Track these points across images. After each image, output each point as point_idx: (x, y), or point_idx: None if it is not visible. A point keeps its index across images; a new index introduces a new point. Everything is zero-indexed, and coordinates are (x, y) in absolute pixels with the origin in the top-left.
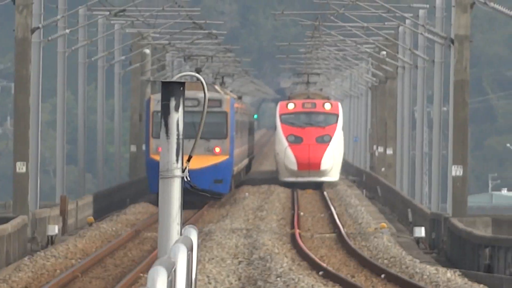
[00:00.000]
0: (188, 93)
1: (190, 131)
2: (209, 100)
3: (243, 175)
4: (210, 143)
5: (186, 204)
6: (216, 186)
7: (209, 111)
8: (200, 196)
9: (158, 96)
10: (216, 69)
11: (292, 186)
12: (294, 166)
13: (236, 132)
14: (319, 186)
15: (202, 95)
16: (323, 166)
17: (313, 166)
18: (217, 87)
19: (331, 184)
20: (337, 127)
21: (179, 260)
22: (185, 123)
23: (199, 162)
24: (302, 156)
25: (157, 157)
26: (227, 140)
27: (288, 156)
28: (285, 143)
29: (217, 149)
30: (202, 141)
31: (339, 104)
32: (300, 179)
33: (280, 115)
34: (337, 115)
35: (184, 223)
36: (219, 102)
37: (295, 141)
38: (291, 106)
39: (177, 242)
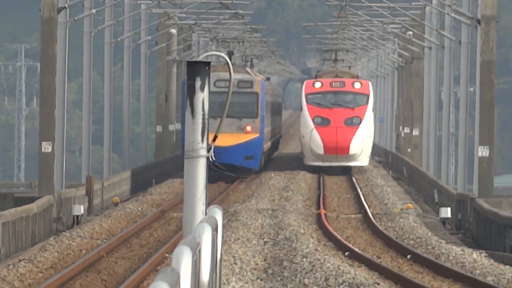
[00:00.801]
0: (221, 74)
1: (222, 110)
2: (241, 81)
3: (272, 153)
4: (242, 122)
5: (216, 179)
6: (247, 162)
7: (241, 92)
8: (231, 171)
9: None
10: (246, 52)
11: (318, 170)
12: (320, 150)
13: (266, 112)
14: (347, 171)
15: (235, 76)
16: (352, 150)
17: (341, 150)
18: (248, 69)
19: (358, 166)
20: (368, 108)
21: (204, 240)
22: (217, 102)
23: (231, 140)
24: (329, 140)
25: None
26: (258, 119)
27: (314, 139)
28: (311, 125)
29: (248, 128)
30: (235, 120)
31: (370, 84)
32: (327, 164)
33: (306, 95)
34: (368, 96)
35: (209, 203)
36: (251, 83)
37: (322, 123)
38: (318, 85)
39: (202, 222)
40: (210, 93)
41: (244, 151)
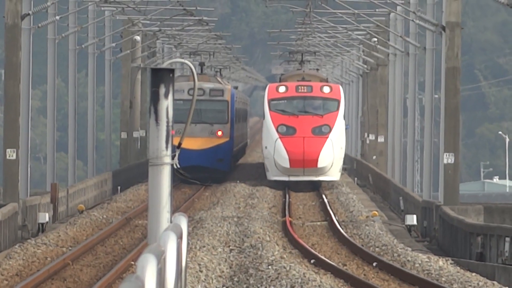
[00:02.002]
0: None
1: (195, 117)
2: (212, 90)
3: (240, 156)
4: (214, 127)
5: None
6: (219, 164)
7: (213, 100)
8: (203, 173)
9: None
10: (216, 62)
11: (283, 186)
12: (285, 163)
13: (235, 118)
14: (315, 187)
15: (207, 85)
16: (321, 163)
17: (309, 163)
18: (219, 78)
19: (328, 181)
20: (338, 115)
21: (168, 248)
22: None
23: (204, 143)
24: (295, 151)
25: None
26: (228, 125)
27: (278, 150)
28: (275, 135)
29: (219, 133)
30: (207, 125)
31: (341, 88)
32: (293, 178)
33: (269, 101)
34: (338, 101)
35: (174, 210)
36: (222, 92)
37: (287, 132)
38: (282, 89)
39: (166, 230)
40: (183, 100)
41: (215, 154)
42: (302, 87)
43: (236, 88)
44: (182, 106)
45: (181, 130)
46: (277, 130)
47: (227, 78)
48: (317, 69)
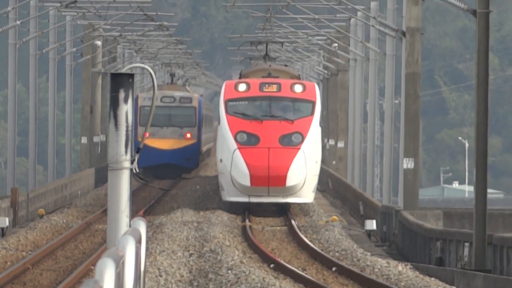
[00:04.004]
0: (167, 92)
1: (167, 121)
2: (182, 97)
3: (206, 156)
4: (183, 130)
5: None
6: (187, 162)
7: (182, 106)
8: (177, 170)
9: (145, 94)
10: (185, 74)
11: (242, 209)
12: (245, 181)
13: (202, 122)
14: (283, 210)
15: (178, 93)
16: (290, 181)
17: (275, 181)
18: (188, 88)
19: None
20: (313, 121)
21: (127, 252)
22: (163, 115)
23: (175, 144)
24: (258, 165)
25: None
26: (196, 128)
27: (236, 164)
28: (233, 145)
29: (188, 135)
30: (177, 128)
31: (316, 87)
32: (254, 200)
33: (226, 102)
34: (313, 103)
35: (133, 215)
36: (190, 99)
37: (247, 141)
38: (242, 87)
39: (125, 234)
40: (157, 107)
41: (184, 153)
42: (268, 85)
43: (201, 96)
44: (155, 111)
45: (154, 132)
46: (235, 139)
47: (187, 83)
48: (285, 65)
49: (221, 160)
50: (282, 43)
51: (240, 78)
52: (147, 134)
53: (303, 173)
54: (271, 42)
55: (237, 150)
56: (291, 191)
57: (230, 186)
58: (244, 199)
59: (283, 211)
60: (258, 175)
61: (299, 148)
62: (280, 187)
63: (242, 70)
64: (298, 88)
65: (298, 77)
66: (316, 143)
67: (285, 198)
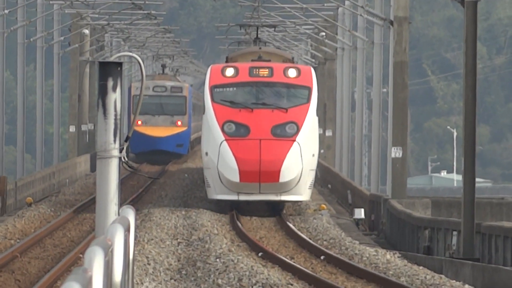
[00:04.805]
0: (158, 82)
1: (159, 109)
2: (173, 87)
3: (195, 144)
4: (174, 118)
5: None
6: (178, 148)
7: (173, 95)
8: (169, 156)
9: (138, 84)
10: (174, 63)
11: (229, 207)
12: (234, 176)
13: (192, 111)
14: (276, 210)
15: (169, 83)
16: (284, 177)
17: (267, 176)
18: (178, 78)
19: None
20: (309, 109)
21: (116, 240)
22: (155, 103)
23: (166, 131)
24: (248, 159)
25: (135, 127)
26: (186, 116)
27: (224, 158)
28: (220, 137)
29: (179, 122)
30: (168, 117)
31: (312, 71)
32: (244, 198)
33: (212, 88)
34: (310, 89)
35: (122, 203)
36: (181, 89)
37: (236, 132)
38: (230, 72)
39: (114, 223)
40: (149, 96)
41: (175, 140)
42: (259, 69)
43: (191, 86)
44: (148, 100)
45: (146, 120)
46: (222, 130)
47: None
48: (278, 47)
49: (206, 154)
50: (274, 26)
51: (227, 61)
52: (139, 122)
53: (299, 167)
54: (262, 26)
55: (225, 142)
56: (285, 187)
57: (217, 183)
58: (233, 197)
59: (275, 209)
60: (248, 170)
61: (294, 140)
62: (273, 183)
63: (229, 53)
64: (292, 73)
65: (292, 61)
66: (312, 134)
67: (278, 196)
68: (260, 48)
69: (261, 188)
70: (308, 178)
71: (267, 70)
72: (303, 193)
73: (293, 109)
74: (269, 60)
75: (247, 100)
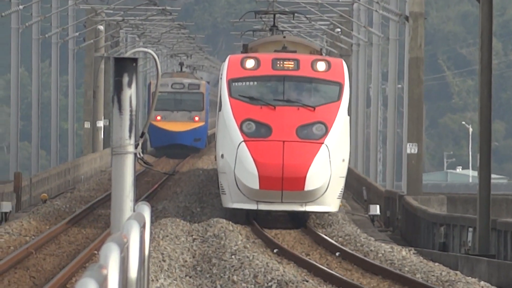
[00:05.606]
0: (177, 79)
1: (177, 105)
2: (190, 84)
3: (212, 139)
4: (192, 114)
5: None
6: (196, 143)
7: (191, 92)
8: (184, 149)
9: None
10: (192, 62)
11: (247, 216)
12: (253, 182)
13: (209, 107)
14: (301, 221)
15: (187, 80)
16: (310, 184)
17: (291, 184)
18: (196, 75)
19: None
20: (340, 108)
21: (131, 237)
22: (174, 99)
23: (184, 126)
24: (270, 163)
25: (154, 122)
26: (203, 112)
27: (242, 161)
28: (238, 137)
29: (196, 118)
30: (186, 112)
31: (344, 64)
32: (264, 207)
33: (229, 82)
34: (341, 85)
35: (137, 199)
36: (198, 86)
37: (256, 133)
38: (250, 64)
39: (129, 219)
40: (168, 92)
41: (193, 134)
42: (283, 61)
43: (208, 83)
44: (166, 96)
45: (165, 115)
46: (240, 129)
47: (191, 68)
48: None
49: (222, 156)
50: (293, 13)
51: (246, 51)
52: (158, 117)
53: (327, 174)
54: (280, 13)
55: (243, 143)
56: (311, 197)
57: (234, 189)
58: (251, 206)
59: (298, 221)
60: (269, 175)
61: (322, 143)
62: (297, 191)
63: (249, 43)
64: (321, 66)
65: (320, 52)
66: (343, 136)
67: (303, 206)
68: (284, 37)
69: (284, 196)
70: (337, 186)
71: (292, 62)
72: (331, 204)
73: (321, 107)
74: (295, 51)
75: (270, 96)
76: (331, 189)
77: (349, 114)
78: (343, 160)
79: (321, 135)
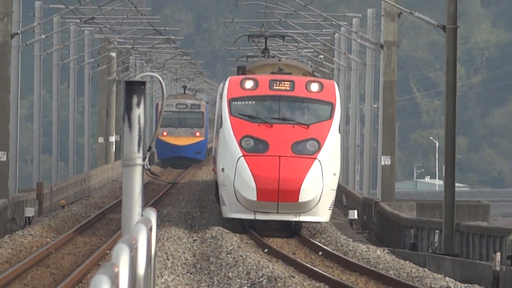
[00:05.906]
0: (181, 100)
1: (181, 123)
2: (192, 104)
3: (211, 152)
4: (193, 130)
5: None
6: (197, 155)
7: (193, 111)
8: (187, 161)
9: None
10: (192, 85)
11: (243, 225)
12: (251, 194)
13: (208, 124)
14: (295, 230)
15: (189, 101)
16: (304, 196)
17: (286, 195)
18: (197, 97)
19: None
20: (332, 126)
21: (140, 238)
22: (178, 118)
23: (187, 141)
24: (266, 177)
25: (161, 137)
26: (203, 128)
27: (241, 175)
28: (237, 152)
29: (198, 133)
30: (189, 128)
31: (336, 86)
32: (261, 217)
33: (230, 101)
34: (333, 105)
35: (144, 205)
36: (199, 106)
37: (254, 148)
38: (249, 84)
39: (138, 223)
40: (173, 112)
41: (195, 148)
42: (280, 82)
43: (207, 103)
44: (171, 115)
45: (171, 131)
46: (240, 145)
47: (192, 90)
48: (296, 59)
49: (222, 170)
50: (283, 37)
51: (245, 73)
52: (164, 133)
53: (319, 187)
54: (271, 36)
55: (242, 158)
56: (304, 208)
57: (233, 201)
58: (249, 216)
59: (292, 230)
60: (266, 188)
61: (315, 158)
62: (292, 203)
63: (247, 64)
64: (314, 87)
65: (312, 74)
66: (334, 152)
67: (297, 216)
68: (279, 60)
69: (279, 207)
70: (329, 198)
71: (288, 83)
72: (323, 214)
73: (315, 125)
74: (290, 73)
75: (267, 114)
76: (323, 201)
77: (340, 131)
78: (334, 174)
79: (314, 151)
